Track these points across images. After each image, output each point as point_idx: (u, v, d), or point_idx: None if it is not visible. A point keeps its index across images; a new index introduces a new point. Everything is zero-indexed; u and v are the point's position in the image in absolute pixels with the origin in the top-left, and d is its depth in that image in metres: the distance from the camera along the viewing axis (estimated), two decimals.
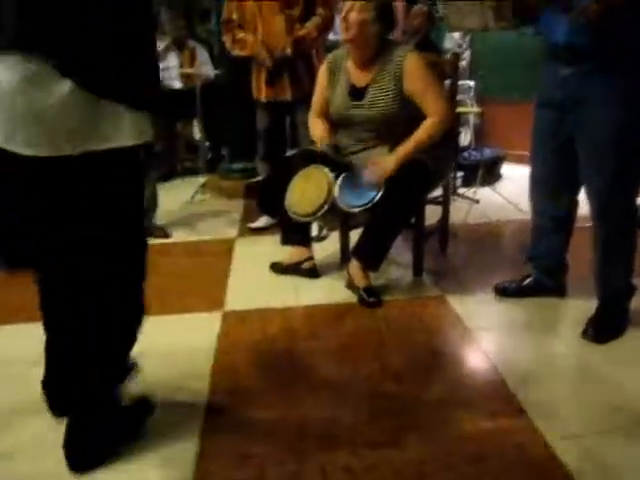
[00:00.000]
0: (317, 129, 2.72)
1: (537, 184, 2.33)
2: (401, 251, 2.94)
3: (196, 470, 1.59)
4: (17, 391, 1.97)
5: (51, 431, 1.74)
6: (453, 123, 2.90)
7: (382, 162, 2.46)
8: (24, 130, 1.34)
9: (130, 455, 1.64)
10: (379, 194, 2.37)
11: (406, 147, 2.47)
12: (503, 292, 2.51)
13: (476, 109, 4.60)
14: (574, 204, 2.30)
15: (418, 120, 2.51)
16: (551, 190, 2.28)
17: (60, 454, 1.64)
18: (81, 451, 1.60)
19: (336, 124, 2.72)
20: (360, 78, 2.60)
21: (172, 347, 2.23)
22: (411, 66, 2.51)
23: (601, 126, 2.00)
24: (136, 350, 1.72)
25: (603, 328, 2.15)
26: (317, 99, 2.77)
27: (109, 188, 1.46)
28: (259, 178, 3.66)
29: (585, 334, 2.15)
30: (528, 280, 2.49)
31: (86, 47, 1.33)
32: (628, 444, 1.62)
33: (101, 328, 1.59)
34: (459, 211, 3.59)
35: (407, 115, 2.54)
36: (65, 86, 1.32)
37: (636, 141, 2.01)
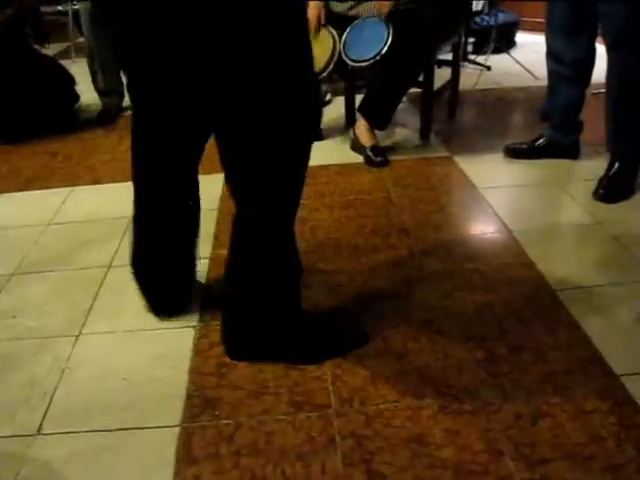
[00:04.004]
0: None
1: (553, 27, 2.17)
2: (408, 114, 2.82)
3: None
4: (22, 254, 1.97)
5: (51, 291, 1.76)
6: None
7: None
8: None
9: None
10: (386, 46, 2.22)
11: None
12: (514, 153, 2.42)
13: None
14: (592, 49, 2.14)
15: None
16: (568, 31, 2.11)
17: (62, 311, 1.64)
18: (240, 341, 1.44)
19: None
20: None
21: None
22: None
23: None
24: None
25: (614, 188, 2.09)
26: None
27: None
28: None
29: (596, 194, 2.09)
30: (540, 140, 2.39)
31: None
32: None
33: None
34: (469, 77, 3.42)
35: None
36: None
37: None
